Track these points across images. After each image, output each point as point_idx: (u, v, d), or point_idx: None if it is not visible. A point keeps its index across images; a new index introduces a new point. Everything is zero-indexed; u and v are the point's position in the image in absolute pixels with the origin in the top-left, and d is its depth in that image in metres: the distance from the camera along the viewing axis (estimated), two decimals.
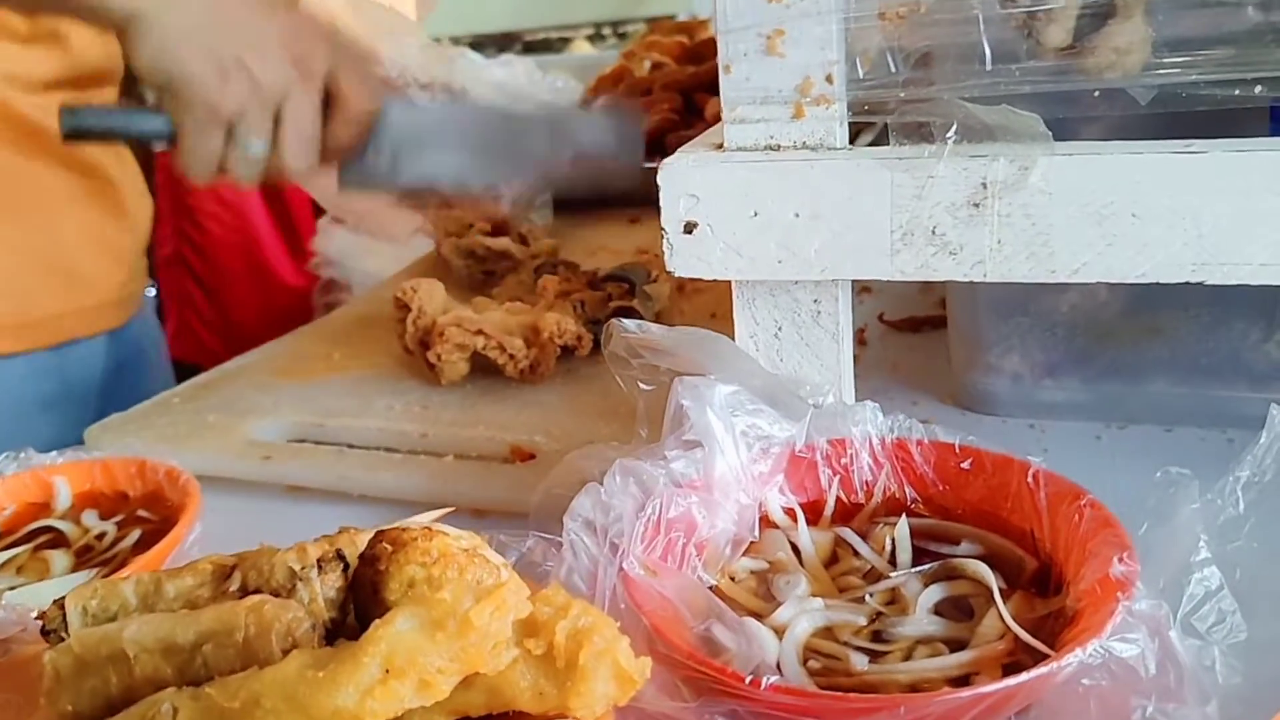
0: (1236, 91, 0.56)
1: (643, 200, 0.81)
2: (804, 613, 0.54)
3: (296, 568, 0.50)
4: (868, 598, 0.55)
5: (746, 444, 0.61)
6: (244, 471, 0.84)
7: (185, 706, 0.42)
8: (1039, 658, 0.48)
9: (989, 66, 0.59)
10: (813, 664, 0.51)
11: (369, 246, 1.85)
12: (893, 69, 0.61)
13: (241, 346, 1.14)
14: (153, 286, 1.86)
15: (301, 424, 0.92)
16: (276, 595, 0.49)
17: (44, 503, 0.77)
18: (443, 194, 1.12)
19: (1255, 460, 0.54)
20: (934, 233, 0.61)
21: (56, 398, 1.06)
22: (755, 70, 0.64)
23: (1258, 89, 0.56)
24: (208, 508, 0.72)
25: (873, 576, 0.57)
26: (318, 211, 2.12)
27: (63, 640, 0.48)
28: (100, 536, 0.73)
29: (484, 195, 1.13)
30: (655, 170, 0.66)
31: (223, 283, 2.22)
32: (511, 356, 0.92)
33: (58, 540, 0.74)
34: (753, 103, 0.65)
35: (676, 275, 0.67)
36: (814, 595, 0.56)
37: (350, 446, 0.87)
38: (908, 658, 0.51)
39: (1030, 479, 0.58)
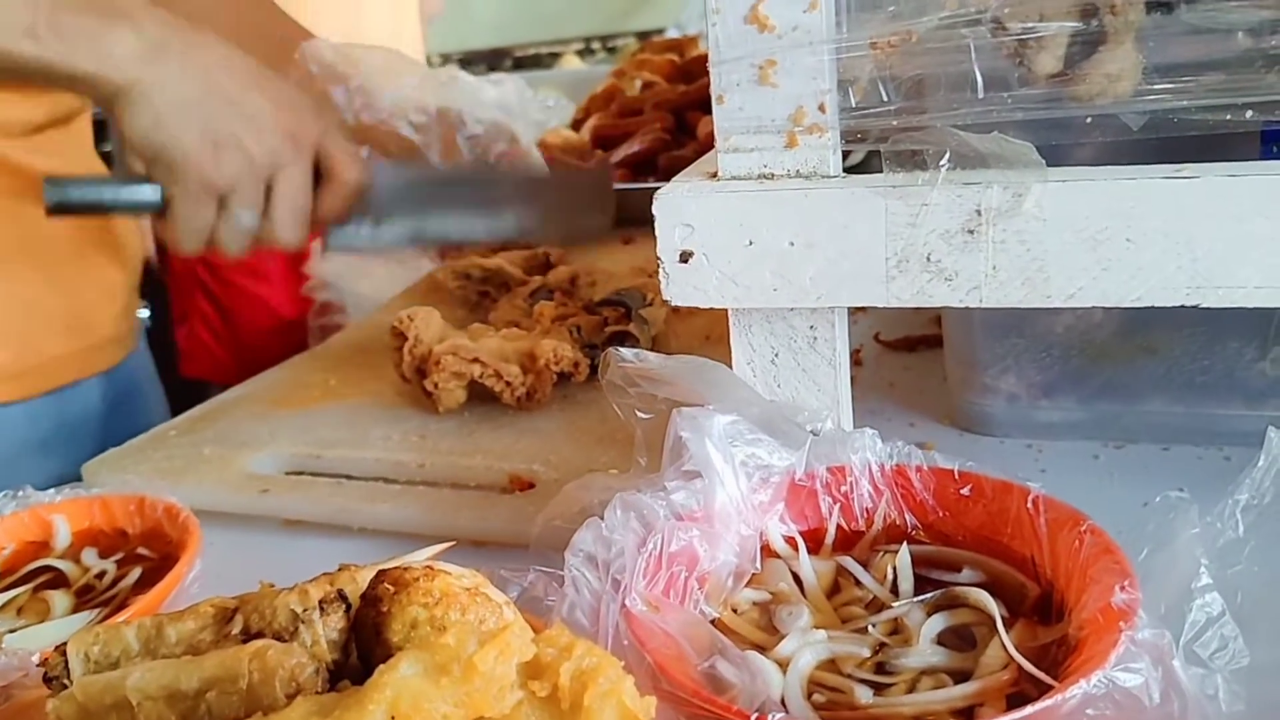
0: (1228, 116, 0.56)
1: (637, 220, 0.81)
2: (807, 645, 0.54)
3: (298, 610, 0.50)
4: (871, 628, 0.55)
5: (746, 474, 0.61)
6: (242, 505, 0.84)
7: None
8: (1043, 687, 0.48)
9: (981, 94, 0.59)
10: (817, 698, 0.51)
11: (363, 269, 1.85)
12: (885, 97, 0.61)
13: (251, 363, 1.15)
14: (145, 308, 1.86)
15: (299, 455, 0.92)
16: (279, 638, 0.49)
17: (43, 541, 0.77)
18: (424, 248, 1.17)
19: (1254, 483, 0.54)
20: (929, 259, 0.62)
21: (55, 438, 1.05)
22: (748, 100, 0.64)
23: (1249, 113, 0.56)
24: (206, 542, 0.72)
25: (875, 606, 0.57)
26: None
27: (65, 688, 0.48)
28: (100, 575, 0.73)
29: (463, 246, 1.19)
30: (650, 195, 0.66)
31: (235, 301, 2.22)
32: (508, 384, 0.92)
33: (58, 580, 0.73)
34: (746, 132, 0.65)
35: (673, 304, 0.68)
36: (817, 626, 0.56)
37: (348, 478, 0.87)
38: (912, 689, 0.51)
39: (1030, 504, 0.58)
